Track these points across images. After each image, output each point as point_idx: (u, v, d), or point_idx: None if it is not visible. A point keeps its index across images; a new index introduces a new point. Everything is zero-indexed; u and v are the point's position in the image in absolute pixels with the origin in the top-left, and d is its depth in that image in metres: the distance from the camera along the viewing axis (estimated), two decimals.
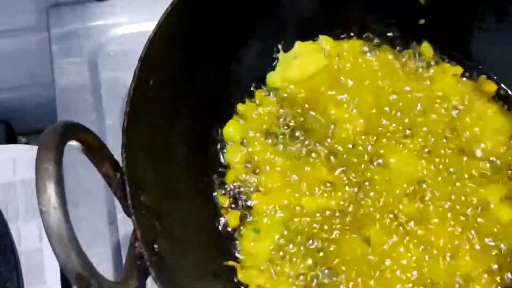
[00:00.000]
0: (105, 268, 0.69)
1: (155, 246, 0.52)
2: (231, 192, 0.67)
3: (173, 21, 0.59)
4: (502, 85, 0.71)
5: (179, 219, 0.60)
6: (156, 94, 0.59)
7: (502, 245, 0.64)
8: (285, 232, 0.64)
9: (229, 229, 0.65)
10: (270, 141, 0.68)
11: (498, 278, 0.63)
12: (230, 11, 0.65)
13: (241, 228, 0.65)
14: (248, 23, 0.69)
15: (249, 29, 0.69)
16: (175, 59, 0.61)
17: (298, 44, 0.71)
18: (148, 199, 0.54)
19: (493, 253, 0.63)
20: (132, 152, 0.54)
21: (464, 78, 0.72)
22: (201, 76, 0.65)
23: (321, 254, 0.63)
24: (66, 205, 0.41)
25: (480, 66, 0.72)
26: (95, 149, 0.50)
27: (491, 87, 0.71)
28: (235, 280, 0.62)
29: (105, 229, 0.71)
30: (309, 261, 0.62)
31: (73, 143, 0.47)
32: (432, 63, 0.72)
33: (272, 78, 0.71)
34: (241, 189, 0.66)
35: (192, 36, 0.62)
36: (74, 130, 0.48)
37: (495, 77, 0.72)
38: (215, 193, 0.67)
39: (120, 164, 0.53)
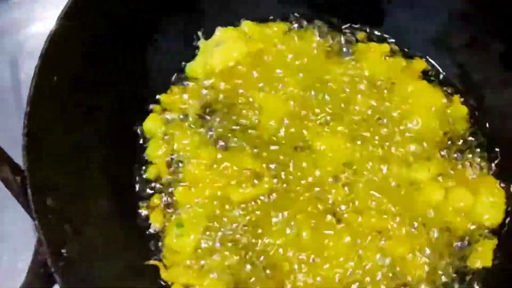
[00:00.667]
0: None
1: (63, 250, 0.50)
2: (155, 188, 0.64)
3: (76, 14, 0.57)
4: (429, 59, 0.70)
5: (96, 220, 0.58)
6: (64, 91, 0.56)
7: (434, 225, 0.62)
8: (210, 226, 0.61)
9: (153, 227, 0.63)
10: (192, 132, 0.65)
11: (431, 258, 0.61)
12: None
13: (165, 225, 0.63)
14: (159, 6, 0.66)
15: (162, 13, 0.66)
16: (83, 52, 0.59)
17: (219, 31, 0.69)
18: (56, 202, 0.52)
19: (426, 234, 0.62)
20: (37, 154, 0.52)
21: (390, 57, 0.70)
22: (116, 68, 0.63)
23: (249, 246, 0.61)
24: None
25: (406, 44, 0.70)
26: None
27: (419, 64, 0.70)
28: (159, 280, 0.60)
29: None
30: (236, 254, 0.61)
31: None
32: (358, 43, 0.70)
33: (193, 67, 0.68)
34: (164, 184, 0.64)
35: (100, 26, 0.60)
36: None
37: (421, 54, 0.70)
38: (137, 191, 0.64)
39: (22, 167, 0.50)
